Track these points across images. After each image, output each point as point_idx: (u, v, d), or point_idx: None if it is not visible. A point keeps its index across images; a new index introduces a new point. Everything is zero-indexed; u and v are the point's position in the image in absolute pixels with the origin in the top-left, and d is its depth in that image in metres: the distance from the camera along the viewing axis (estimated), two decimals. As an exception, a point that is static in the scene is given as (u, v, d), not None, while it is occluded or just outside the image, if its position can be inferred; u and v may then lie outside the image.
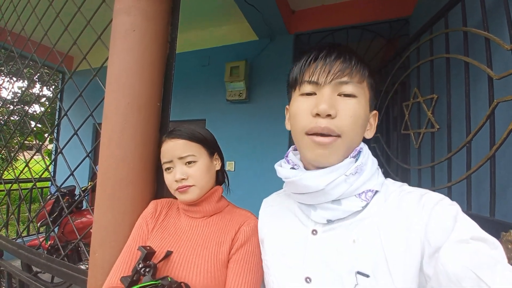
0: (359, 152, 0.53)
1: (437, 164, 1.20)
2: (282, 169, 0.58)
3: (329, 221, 0.52)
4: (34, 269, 1.94)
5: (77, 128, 1.07)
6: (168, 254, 0.66)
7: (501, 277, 0.35)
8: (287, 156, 0.60)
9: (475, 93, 1.08)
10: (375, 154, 1.38)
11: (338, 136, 0.49)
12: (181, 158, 0.73)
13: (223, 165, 0.85)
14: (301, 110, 0.52)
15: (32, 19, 1.38)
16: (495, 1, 1.04)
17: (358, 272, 0.46)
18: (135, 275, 0.59)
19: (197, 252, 0.68)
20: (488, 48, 0.95)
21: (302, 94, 0.53)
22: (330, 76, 0.49)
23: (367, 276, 0.45)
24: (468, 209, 0.96)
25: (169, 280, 0.57)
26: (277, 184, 0.63)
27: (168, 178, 0.74)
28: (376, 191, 0.52)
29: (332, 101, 0.49)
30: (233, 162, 2.73)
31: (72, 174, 1.08)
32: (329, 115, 0.48)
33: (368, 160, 0.53)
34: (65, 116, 1.11)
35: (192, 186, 0.72)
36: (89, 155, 1.06)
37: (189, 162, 0.73)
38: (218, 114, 2.88)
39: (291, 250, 0.56)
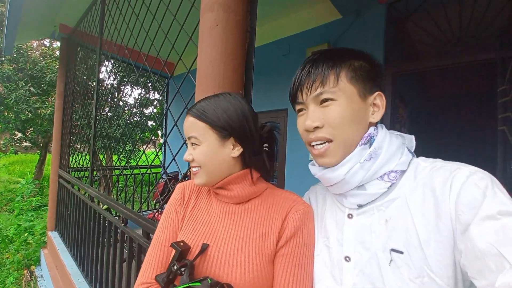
0: (371, 137, 0.55)
1: None
2: (312, 167, 0.64)
3: (360, 206, 0.56)
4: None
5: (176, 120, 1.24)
6: (204, 248, 0.57)
7: None
8: None
9: None
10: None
11: (330, 140, 0.55)
12: (188, 138, 0.65)
13: (265, 151, 0.69)
14: (300, 126, 0.61)
15: (142, 34, 1.66)
16: None
17: (392, 250, 0.49)
18: (170, 274, 0.54)
19: (237, 247, 0.58)
20: None
21: (298, 112, 0.62)
22: (305, 93, 0.57)
23: (401, 252, 0.48)
24: None
25: (209, 282, 0.50)
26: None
27: None
28: (402, 171, 0.54)
29: (315, 114, 0.56)
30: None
31: (174, 159, 1.26)
32: (316, 128, 0.56)
33: (383, 143, 0.55)
34: (169, 113, 1.29)
35: (198, 169, 0.64)
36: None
37: (193, 144, 0.64)
38: (300, 103, 2.83)
39: (332, 233, 0.59)
